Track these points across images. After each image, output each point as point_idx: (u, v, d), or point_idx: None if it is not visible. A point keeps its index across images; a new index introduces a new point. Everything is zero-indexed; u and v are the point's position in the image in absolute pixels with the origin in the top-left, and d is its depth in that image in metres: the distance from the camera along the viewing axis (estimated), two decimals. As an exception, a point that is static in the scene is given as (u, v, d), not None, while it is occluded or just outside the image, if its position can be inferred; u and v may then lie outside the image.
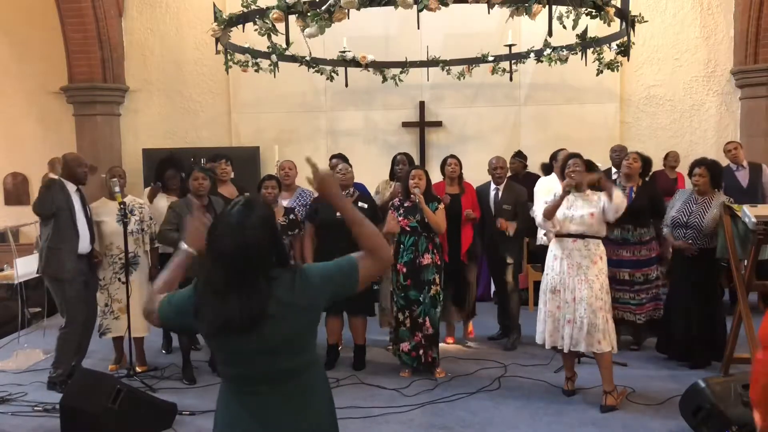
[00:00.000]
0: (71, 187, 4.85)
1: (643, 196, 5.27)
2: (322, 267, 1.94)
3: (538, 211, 4.71)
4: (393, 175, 5.71)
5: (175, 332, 1.67)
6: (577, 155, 4.45)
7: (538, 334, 4.51)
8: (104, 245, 5.05)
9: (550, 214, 4.36)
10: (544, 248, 5.42)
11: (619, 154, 6.41)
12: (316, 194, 5.52)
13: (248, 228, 1.83)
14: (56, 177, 5.00)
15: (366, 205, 5.15)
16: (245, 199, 1.95)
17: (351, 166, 5.65)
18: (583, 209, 4.31)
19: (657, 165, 7.07)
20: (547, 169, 6.24)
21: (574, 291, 4.29)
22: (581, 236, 4.30)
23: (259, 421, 1.88)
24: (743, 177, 6.55)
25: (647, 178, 5.53)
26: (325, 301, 1.92)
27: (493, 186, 5.68)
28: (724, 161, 7.74)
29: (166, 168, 5.74)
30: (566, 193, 4.32)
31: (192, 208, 4.94)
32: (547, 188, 5.35)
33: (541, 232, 5.46)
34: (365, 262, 1.93)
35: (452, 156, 5.64)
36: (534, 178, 6.36)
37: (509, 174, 6.06)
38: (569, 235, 4.34)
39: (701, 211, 4.90)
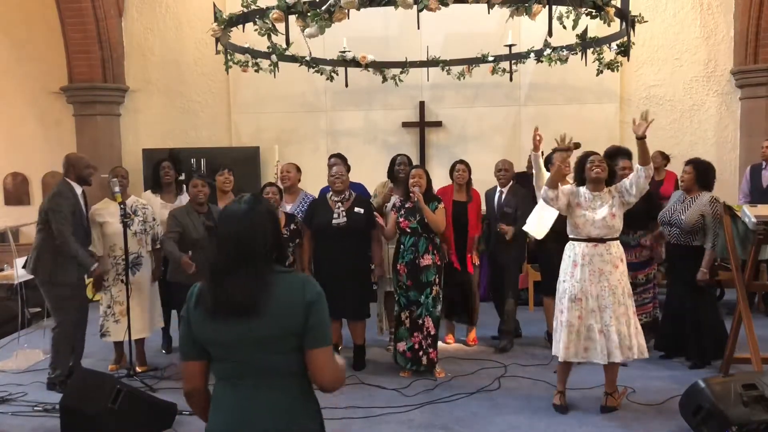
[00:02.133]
0: (77, 189, 4.84)
1: (640, 198, 5.27)
2: (324, 305, 1.96)
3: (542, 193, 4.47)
4: (392, 176, 5.71)
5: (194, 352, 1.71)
6: (594, 153, 4.33)
7: (554, 345, 4.30)
8: (108, 246, 5.04)
9: (553, 183, 4.16)
10: (543, 247, 5.43)
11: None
12: (317, 198, 5.56)
13: (254, 216, 1.94)
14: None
15: (362, 210, 5.13)
16: (253, 194, 2.06)
17: (350, 166, 5.64)
18: (604, 210, 4.14)
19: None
20: None
21: (598, 299, 4.09)
22: (601, 240, 4.13)
23: (239, 412, 1.94)
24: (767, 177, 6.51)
25: None
26: (301, 322, 1.91)
27: (498, 189, 5.67)
28: (729, 161, 7.80)
29: (163, 160, 5.70)
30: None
31: (192, 215, 4.92)
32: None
33: (532, 226, 5.41)
34: (317, 360, 1.92)
35: (461, 161, 5.62)
36: (528, 177, 6.37)
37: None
38: (590, 240, 4.14)
39: (683, 209, 4.93)
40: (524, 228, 5.34)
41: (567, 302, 4.17)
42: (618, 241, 4.22)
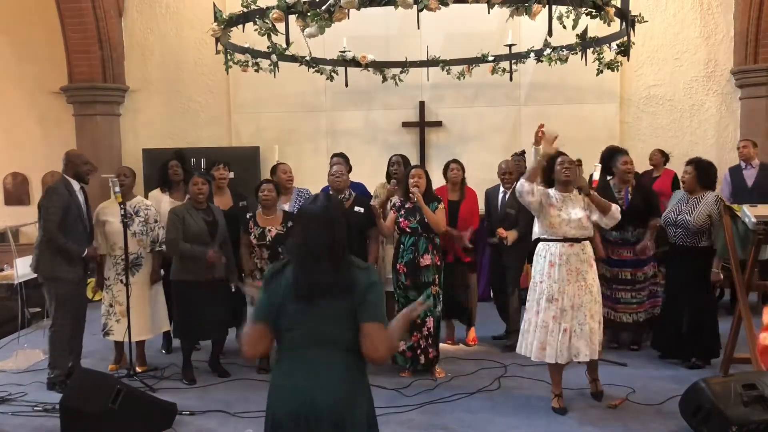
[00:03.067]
0: (75, 185, 4.84)
1: (638, 196, 5.28)
2: (380, 288, 2.32)
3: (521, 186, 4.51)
4: (388, 177, 5.71)
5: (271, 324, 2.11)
6: (563, 153, 4.33)
7: (524, 345, 4.29)
8: (109, 245, 5.05)
9: (532, 177, 4.16)
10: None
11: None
12: (313, 193, 5.56)
13: (330, 214, 2.30)
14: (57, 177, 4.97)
15: (362, 210, 5.12)
16: (325, 194, 2.43)
17: (351, 167, 5.64)
18: (579, 212, 4.19)
19: (646, 165, 7.08)
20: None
21: (573, 298, 4.12)
22: (577, 240, 4.17)
23: (302, 380, 2.20)
24: (750, 176, 6.52)
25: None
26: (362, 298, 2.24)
27: (501, 189, 5.64)
28: (729, 161, 7.79)
29: (171, 159, 5.68)
30: (545, 158, 4.16)
31: (191, 210, 4.91)
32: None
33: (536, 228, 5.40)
34: (371, 338, 2.20)
35: (455, 161, 5.62)
36: None
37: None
38: (565, 240, 4.16)
39: (689, 210, 4.91)
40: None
41: (545, 302, 4.17)
42: (589, 242, 4.26)
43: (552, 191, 4.28)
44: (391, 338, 2.27)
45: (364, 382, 2.31)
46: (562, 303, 4.13)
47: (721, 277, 4.91)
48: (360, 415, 2.23)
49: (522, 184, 4.17)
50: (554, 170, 4.28)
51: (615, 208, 4.27)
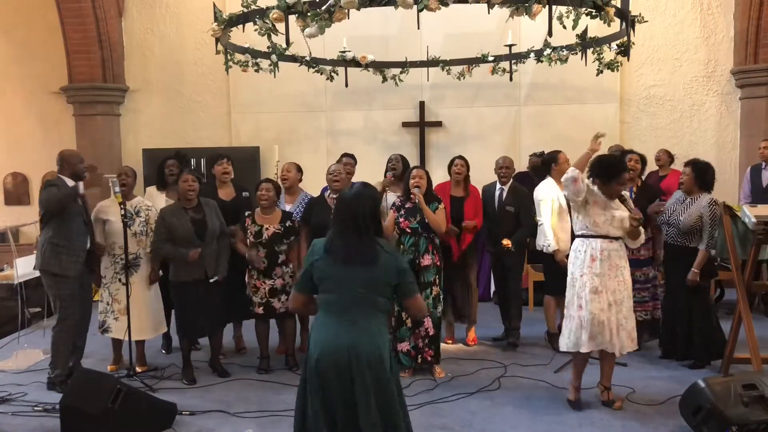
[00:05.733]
0: (70, 183, 4.83)
1: (643, 197, 5.29)
2: (410, 271, 2.96)
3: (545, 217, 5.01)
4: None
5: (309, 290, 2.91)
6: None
7: (572, 341, 4.22)
8: (108, 244, 5.05)
9: (580, 166, 4.19)
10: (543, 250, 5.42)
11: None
12: (313, 196, 5.55)
13: (364, 197, 2.89)
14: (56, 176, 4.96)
15: None
16: (362, 183, 3.01)
17: (355, 167, 5.65)
18: (621, 212, 4.22)
19: (654, 165, 7.10)
20: (540, 171, 6.02)
21: (615, 293, 4.18)
22: (616, 238, 4.24)
23: (342, 330, 2.76)
24: (767, 177, 6.51)
25: (643, 177, 5.55)
26: (395, 280, 2.85)
27: (498, 186, 5.65)
28: (729, 161, 7.82)
29: (169, 158, 5.67)
30: (592, 152, 4.26)
31: (179, 213, 4.88)
32: (551, 196, 5.32)
33: (541, 240, 5.37)
34: (412, 305, 2.97)
35: (460, 157, 5.59)
36: (528, 177, 6.33)
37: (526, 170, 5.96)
38: (607, 236, 4.21)
39: (682, 210, 4.94)
40: (544, 248, 5.33)
41: (588, 294, 4.17)
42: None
43: (597, 189, 4.25)
44: (423, 302, 3.05)
45: (385, 330, 2.90)
46: (605, 296, 4.17)
47: (698, 278, 4.87)
48: (386, 354, 2.80)
49: (574, 172, 4.13)
50: (613, 182, 4.23)
51: (642, 239, 4.36)
